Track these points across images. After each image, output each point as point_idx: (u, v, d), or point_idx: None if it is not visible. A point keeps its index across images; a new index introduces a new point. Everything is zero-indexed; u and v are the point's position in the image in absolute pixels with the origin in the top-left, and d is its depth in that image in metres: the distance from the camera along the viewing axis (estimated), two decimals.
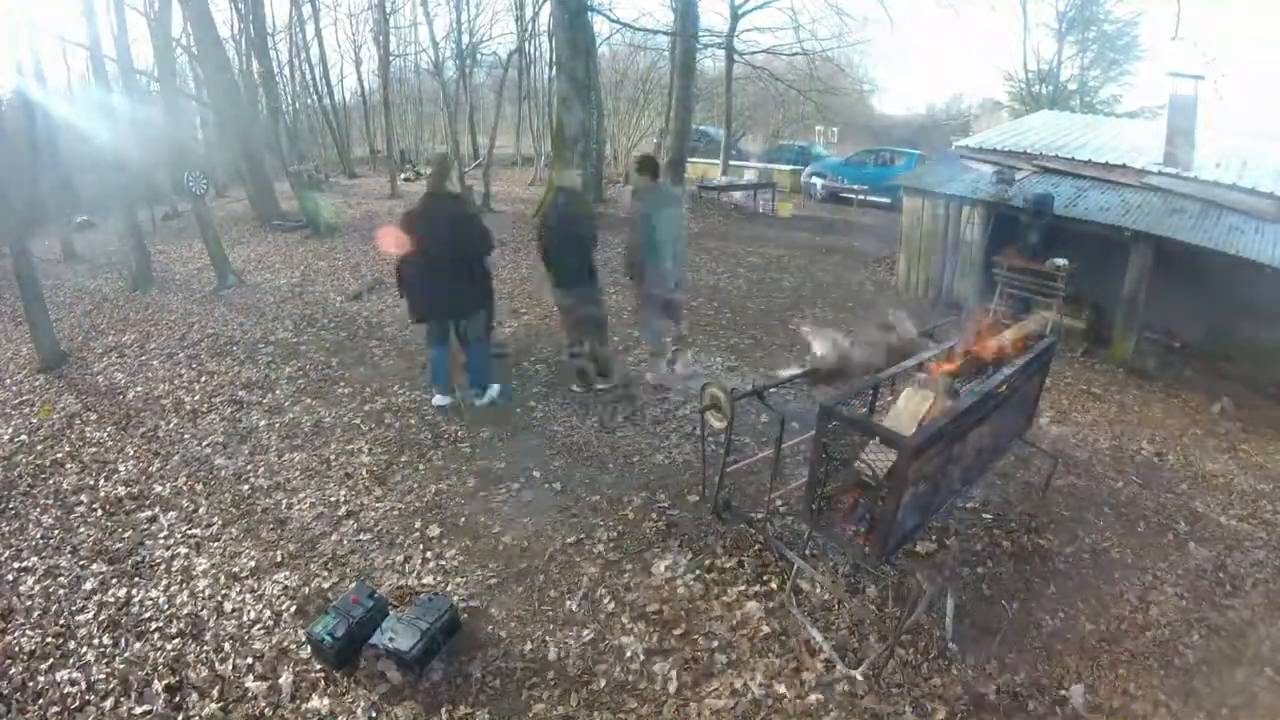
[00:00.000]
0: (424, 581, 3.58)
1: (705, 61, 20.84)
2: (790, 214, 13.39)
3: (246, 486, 4.55)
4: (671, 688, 2.92)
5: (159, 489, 4.59)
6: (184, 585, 3.64)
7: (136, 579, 3.72)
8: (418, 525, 4.04)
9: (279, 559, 3.80)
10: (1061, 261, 7.05)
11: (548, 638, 3.20)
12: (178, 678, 3.05)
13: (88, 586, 3.69)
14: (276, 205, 13.77)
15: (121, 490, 4.60)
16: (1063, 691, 2.92)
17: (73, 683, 3.06)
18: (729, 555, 3.69)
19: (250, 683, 3.00)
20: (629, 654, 3.09)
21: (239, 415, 5.56)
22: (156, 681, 3.04)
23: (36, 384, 6.52)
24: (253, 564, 3.77)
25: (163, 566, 3.81)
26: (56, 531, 4.20)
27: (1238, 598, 3.53)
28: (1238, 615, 3.41)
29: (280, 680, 3.00)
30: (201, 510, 4.31)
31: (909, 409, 2.99)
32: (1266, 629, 3.33)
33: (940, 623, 3.18)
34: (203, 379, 6.29)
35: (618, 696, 2.89)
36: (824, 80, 18.65)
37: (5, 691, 3.04)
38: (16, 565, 3.92)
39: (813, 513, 2.99)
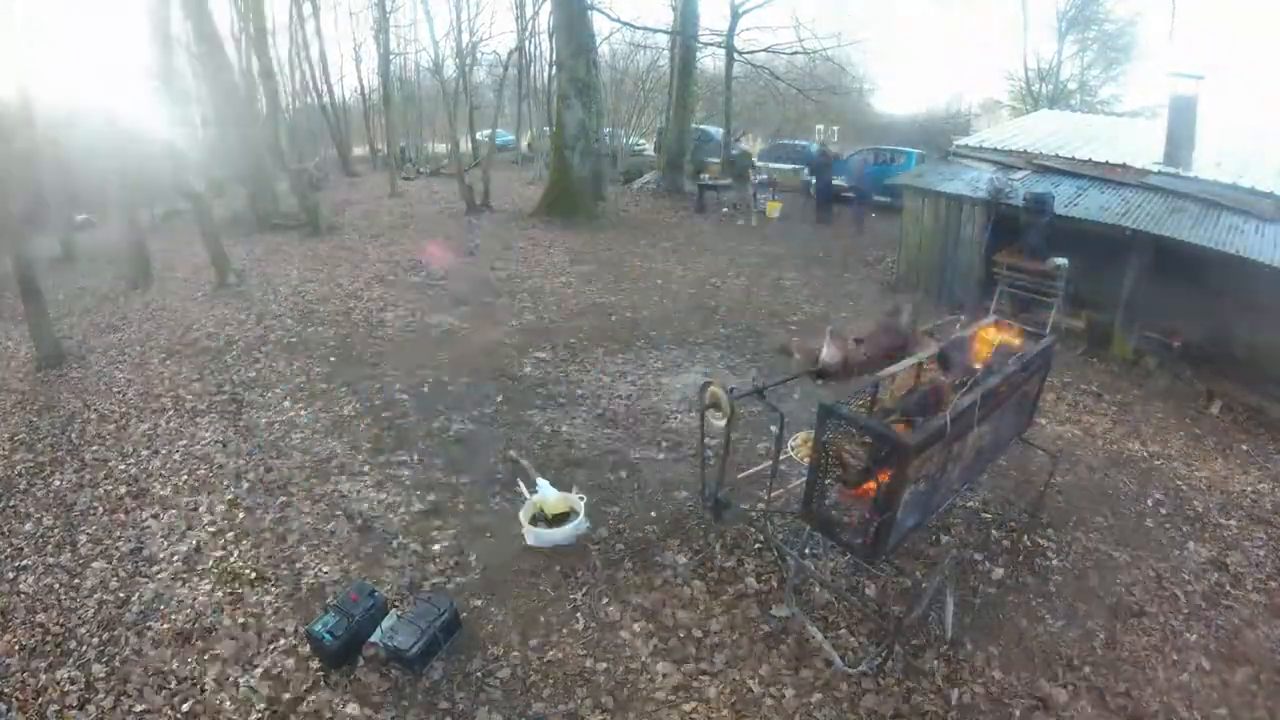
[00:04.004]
0: (424, 580, 3.58)
1: (705, 61, 20.80)
2: (777, 214, 13.45)
3: (246, 485, 4.55)
4: (672, 686, 2.92)
5: (159, 488, 4.59)
6: (184, 583, 3.64)
7: (137, 577, 3.72)
8: (418, 524, 4.04)
9: (279, 557, 3.81)
10: (1061, 261, 7.04)
11: (548, 636, 3.20)
12: (177, 676, 3.06)
13: (88, 584, 3.69)
14: (276, 204, 13.74)
15: (122, 489, 4.60)
16: (1063, 690, 2.92)
17: (73, 680, 3.07)
18: (729, 555, 3.69)
19: (250, 681, 3.00)
20: (629, 652, 3.09)
21: (239, 413, 5.56)
22: (157, 679, 3.04)
23: (36, 382, 6.51)
24: (253, 562, 3.77)
25: (163, 565, 3.81)
26: (56, 530, 4.21)
27: (1238, 598, 3.54)
28: (1238, 615, 3.42)
29: (281, 678, 3.00)
30: (201, 509, 4.31)
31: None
32: (1266, 629, 3.33)
33: (940, 621, 3.18)
34: (203, 377, 6.29)
35: (618, 694, 2.89)
36: (824, 79, 18.62)
37: (5, 690, 3.04)
38: (16, 563, 3.92)
39: (813, 512, 3.00)
